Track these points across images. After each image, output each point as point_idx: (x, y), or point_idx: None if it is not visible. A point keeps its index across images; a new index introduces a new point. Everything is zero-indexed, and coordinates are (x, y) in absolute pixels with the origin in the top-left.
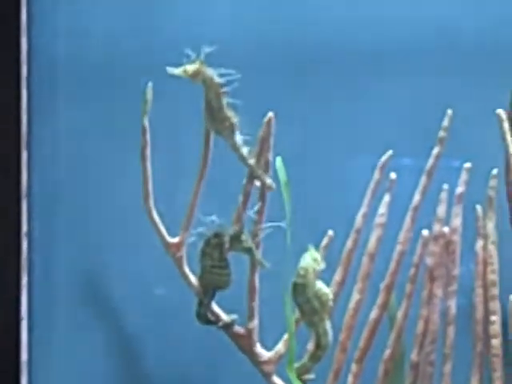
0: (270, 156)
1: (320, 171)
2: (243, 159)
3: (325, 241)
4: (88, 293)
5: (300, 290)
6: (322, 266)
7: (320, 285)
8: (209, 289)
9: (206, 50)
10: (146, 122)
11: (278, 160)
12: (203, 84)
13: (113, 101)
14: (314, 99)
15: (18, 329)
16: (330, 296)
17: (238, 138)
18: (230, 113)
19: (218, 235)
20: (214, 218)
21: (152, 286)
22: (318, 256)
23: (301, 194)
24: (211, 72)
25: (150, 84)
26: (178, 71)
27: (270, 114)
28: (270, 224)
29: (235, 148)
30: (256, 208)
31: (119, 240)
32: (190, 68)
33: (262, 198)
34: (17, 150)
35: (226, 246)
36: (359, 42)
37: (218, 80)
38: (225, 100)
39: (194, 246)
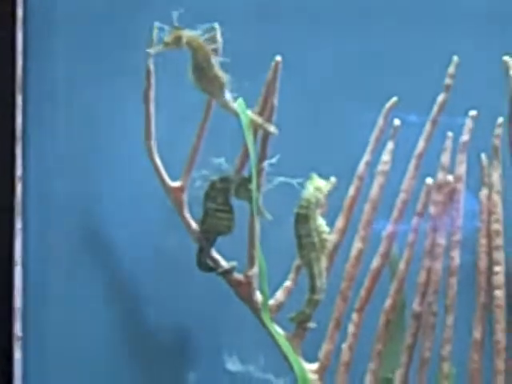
0: (276, 100)
1: (324, 117)
2: (236, 114)
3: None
4: (85, 239)
5: (302, 220)
6: (327, 189)
7: (321, 221)
8: (210, 234)
9: (177, 13)
10: (151, 64)
11: (240, 102)
12: (189, 48)
13: (111, 42)
14: (320, 46)
15: (11, 275)
16: (330, 237)
17: (228, 95)
18: (219, 72)
19: (224, 179)
20: (221, 160)
21: (151, 233)
22: (321, 184)
23: (304, 139)
24: (193, 34)
25: (156, 24)
26: (158, 48)
27: (277, 59)
28: (280, 179)
29: (225, 106)
30: (269, 161)
31: (118, 185)
32: (169, 39)
33: (264, 145)
34: (12, 93)
35: (232, 191)
36: None
37: (203, 40)
38: (214, 58)
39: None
